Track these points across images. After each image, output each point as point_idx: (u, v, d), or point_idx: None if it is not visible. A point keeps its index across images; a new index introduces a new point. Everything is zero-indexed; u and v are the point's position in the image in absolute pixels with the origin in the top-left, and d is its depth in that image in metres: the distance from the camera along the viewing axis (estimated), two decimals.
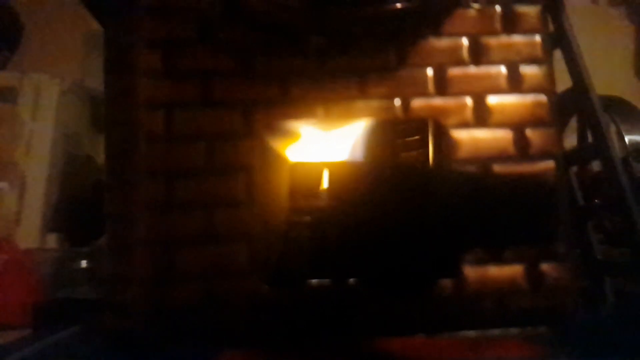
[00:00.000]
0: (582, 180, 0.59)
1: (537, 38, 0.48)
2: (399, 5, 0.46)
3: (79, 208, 0.88)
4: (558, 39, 0.54)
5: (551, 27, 0.54)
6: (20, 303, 0.63)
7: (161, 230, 0.44)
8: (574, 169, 0.61)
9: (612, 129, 0.73)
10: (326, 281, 0.45)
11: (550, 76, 0.48)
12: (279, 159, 0.46)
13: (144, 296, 0.44)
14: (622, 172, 0.51)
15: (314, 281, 0.45)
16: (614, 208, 0.52)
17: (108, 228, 0.47)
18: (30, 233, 0.87)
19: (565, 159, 0.56)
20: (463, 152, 0.46)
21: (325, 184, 0.46)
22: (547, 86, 0.48)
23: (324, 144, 0.48)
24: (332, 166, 0.47)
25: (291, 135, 0.47)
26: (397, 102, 0.47)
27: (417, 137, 0.49)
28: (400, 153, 0.50)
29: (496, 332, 0.46)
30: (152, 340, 0.43)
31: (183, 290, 0.43)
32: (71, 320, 0.52)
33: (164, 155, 0.45)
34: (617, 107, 0.76)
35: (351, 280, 0.45)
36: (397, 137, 0.50)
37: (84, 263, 0.73)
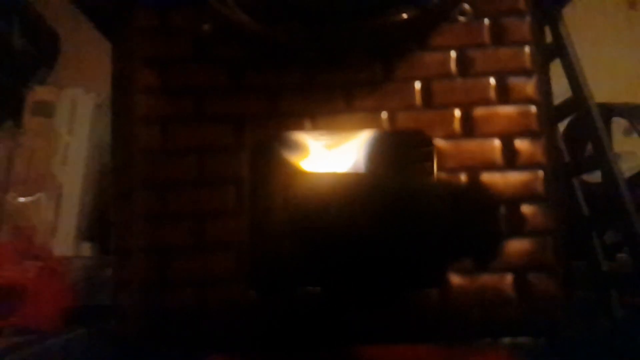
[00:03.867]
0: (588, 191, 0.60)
1: (526, 49, 0.49)
2: (405, 15, 0.48)
3: None
4: (557, 49, 0.55)
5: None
6: (54, 309, 0.67)
7: (155, 239, 0.47)
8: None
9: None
10: (314, 289, 0.47)
11: (540, 87, 0.49)
12: (271, 170, 0.49)
13: (140, 301, 0.47)
14: (623, 183, 0.51)
15: (302, 289, 0.47)
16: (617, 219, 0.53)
17: (112, 236, 0.51)
18: (65, 241, 0.92)
19: (568, 169, 0.57)
20: (450, 163, 0.48)
21: (318, 194, 0.49)
22: (536, 97, 0.49)
23: (322, 156, 0.50)
24: (326, 177, 0.49)
25: (285, 148, 0.49)
26: (384, 115, 0.49)
27: (426, 149, 0.50)
28: (411, 164, 0.51)
29: (482, 342, 0.47)
30: (147, 343, 0.47)
31: (175, 296, 0.46)
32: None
33: (159, 168, 0.48)
34: None
35: (338, 288, 0.47)
36: (404, 148, 0.51)
37: None
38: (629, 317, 0.53)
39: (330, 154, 0.49)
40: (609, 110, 0.75)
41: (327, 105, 0.49)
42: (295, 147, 0.48)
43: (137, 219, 0.48)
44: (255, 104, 0.49)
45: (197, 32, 0.50)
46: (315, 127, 0.48)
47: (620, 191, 0.51)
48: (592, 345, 0.50)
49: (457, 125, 0.48)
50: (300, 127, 0.48)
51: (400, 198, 0.47)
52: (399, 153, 0.49)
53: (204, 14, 0.49)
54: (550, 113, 0.52)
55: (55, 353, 0.49)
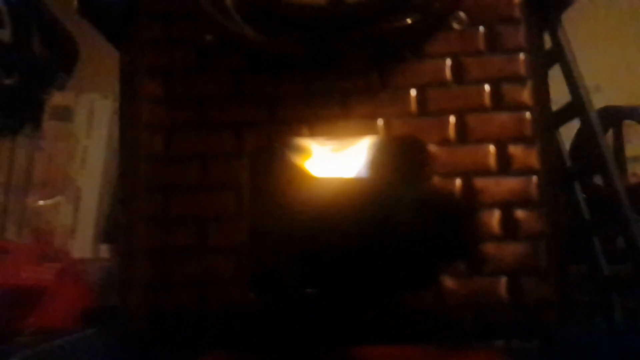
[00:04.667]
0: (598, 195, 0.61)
1: (521, 56, 0.51)
2: (409, 20, 0.50)
3: None
4: (556, 55, 0.56)
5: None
6: (72, 310, 0.70)
7: (158, 241, 0.50)
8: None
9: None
10: (311, 291, 0.49)
11: (535, 93, 0.51)
12: (269, 176, 0.51)
13: (143, 301, 0.50)
14: (622, 189, 0.53)
15: (299, 291, 0.49)
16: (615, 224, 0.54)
17: (119, 238, 0.54)
18: (84, 244, 0.95)
19: (569, 174, 0.58)
20: (444, 168, 0.50)
21: (315, 199, 0.51)
22: (530, 103, 0.50)
23: (319, 161, 0.52)
24: (323, 182, 0.51)
25: (283, 154, 0.51)
26: (380, 121, 0.51)
27: (421, 155, 0.52)
28: (406, 169, 0.53)
29: (475, 344, 0.49)
30: (150, 341, 0.50)
31: (177, 296, 0.49)
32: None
33: (162, 174, 0.51)
34: None
35: (334, 290, 0.49)
36: (399, 154, 0.53)
37: None
38: (630, 321, 0.55)
39: (327, 160, 0.51)
40: (620, 113, 0.76)
41: (324, 112, 0.51)
42: (293, 153, 0.51)
43: (141, 221, 0.51)
44: (254, 112, 0.51)
45: (199, 43, 0.52)
46: (312, 133, 0.51)
47: (619, 196, 0.52)
48: (590, 348, 0.51)
49: (451, 131, 0.50)
50: (298, 133, 0.51)
51: (395, 203, 0.49)
52: (394, 159, 0.51)
53: (207, 25, 0.52)
54: (547, 119, 0.53)
55: (63, 352, 0.52)
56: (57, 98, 1.00)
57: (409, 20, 0.50)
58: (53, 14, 1.03)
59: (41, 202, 0.96)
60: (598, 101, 0.81)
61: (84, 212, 0.97)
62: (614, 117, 0.78)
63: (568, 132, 0.67)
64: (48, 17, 1.02)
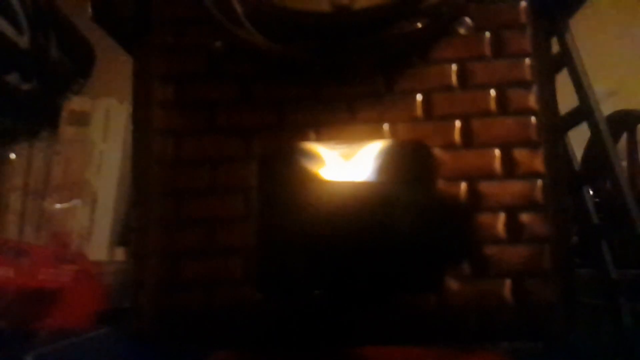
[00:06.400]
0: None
1: (527, 61, 0.52)
2: (419, 24, 0.51)
3: None
4: (563, 59, 0.57)
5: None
6: (88, 311, 0.72)
7: (169, 243, 0.52)
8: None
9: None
10: (317, 292, 0.51)
11: (541, 98, 0.52)
12: (277, 179, 0.53)
13: (154, 301, 0.52)
14: (629, 193, 0.54)
15: (305, 291, 0.51)
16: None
17: (133, 240, 0.56)
18: (100, 246, 0.98)
19: (577, 178, 0.59)
20: (450, 172, 0.51)
21: (322, 202, 0.52)
22: (535, 108, 0.51)
23: (326, 165, 0.54)
24: (329, 185, 0.53)
25: (291, 158, 0.53)
26: (386, 126, 0.52)
27: (427, 159, 0.53)
28: (412, 173, 0.54)
29: (480, 345, 0.50)
30: (160, 340, 0.51)
31: (186, 296, 0.51)
32: None
33: (173, 177, 0.53)
34: None
35: (340, 291, 0.51)
36: (405, 158, 0.54)
37: None
38: (638, 325, 0.55)
39: (334, 164, 0.52)
40: (633, 117, 0.77)
41: (331, 117, 0.52)
42: (301, 157, 0.52)
43: (153, 224, 0.53)
44: (263, 117, 0.53)
45: (210, 49, 0.54)
46: (319, 138, 0.52)
47: (626, 201, 0.53)
48: (597, 352, 0.52)
49: (457, 136, 0.51)
50: (305, 138, 0.52)
51: (400, 206, 0.50)
52: (400, 163, 0.52)
53: (217, 32, 0.54)
54: (554, 123, 0.54)
55: (76, 350, 0.54)
56: (74, 103, 1.03)
57: (418, 25, 0.51)
58: (70, 20, 1.06)
59: (58, 206, 0.98)
60: (614, 105, 0.82)
61: (100, 216, 1.00)
62: (627, 121, 0.79)
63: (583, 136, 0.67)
64: (65, 23, 1.04)
